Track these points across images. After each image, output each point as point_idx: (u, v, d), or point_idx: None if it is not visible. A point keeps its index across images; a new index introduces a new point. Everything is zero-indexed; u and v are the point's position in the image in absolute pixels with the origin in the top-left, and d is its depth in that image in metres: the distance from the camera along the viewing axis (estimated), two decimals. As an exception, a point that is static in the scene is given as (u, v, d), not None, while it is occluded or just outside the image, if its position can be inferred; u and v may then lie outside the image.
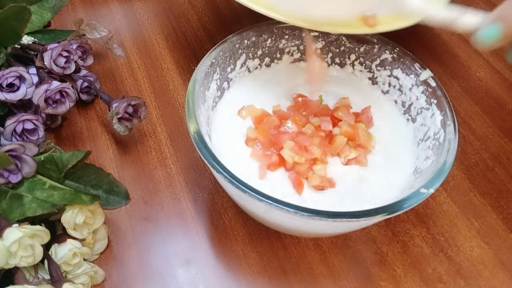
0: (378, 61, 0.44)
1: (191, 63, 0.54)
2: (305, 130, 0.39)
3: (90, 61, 0.48)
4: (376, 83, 0.45)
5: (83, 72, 0.48)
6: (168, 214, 0.42)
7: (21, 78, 0.41)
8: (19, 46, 0.46)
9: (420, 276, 0.39)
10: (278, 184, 0.37)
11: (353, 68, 0.45)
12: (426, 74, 0.40)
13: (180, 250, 0.40)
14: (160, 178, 0.44)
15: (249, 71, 0.45)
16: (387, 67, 0.43)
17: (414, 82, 0.41)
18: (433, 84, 0.40)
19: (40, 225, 0.35)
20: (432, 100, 0.39)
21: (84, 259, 0.37)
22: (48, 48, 0.43)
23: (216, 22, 0.58)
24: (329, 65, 0.46)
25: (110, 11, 0.59)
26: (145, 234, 0.40)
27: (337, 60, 0.46)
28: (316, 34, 0.44)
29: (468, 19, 0.31)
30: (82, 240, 0.36)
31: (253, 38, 0.43)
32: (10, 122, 0.39)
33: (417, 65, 0.41)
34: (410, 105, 0.42)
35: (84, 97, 0.48)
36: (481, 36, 0.29)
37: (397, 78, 0.43)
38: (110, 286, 0.38)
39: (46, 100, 0.41)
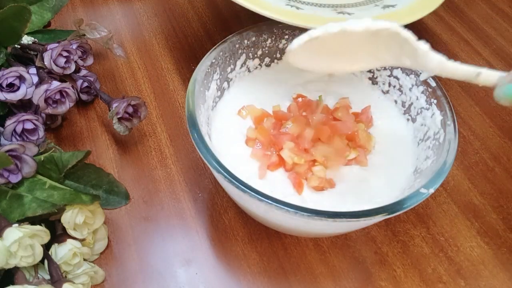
0: (378, 61, 0.44)
1: (191, 63, 0.54)
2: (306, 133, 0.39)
3: (90, 61, 0.48)
4: (376, 83, 0.45)
5: (83, 72, 0.48)
6: (168, 214, 0.42)
7: (21, 78, 0.41)
8: (19, 46, 0.46)
9: (420, 276, 0.39)
10: (278, 184, 0.37)
11: (353, 68, 0.45)
12: (426, 74, 0.40)
13: (180, 250, 0.40)
14: (160, 178, 0.44)
15: (249, 71, 0.45)
16: (387, 67, 0.43)
17: (414, 82, 0.41)
18: (433, 84, 0.40)
19: (40, 225, 0.35)
20: (432, 100, 0.39)
21: (84, 259, 0.37)
22: (48, 48, 0.43)
23: (216, 22, 0.58)
24: (329, 65, 0.46)
25: (110, 11, 0.59)
26: (145, 234, 0.40)
27: (337, 60, 0.46)
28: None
29: (489, 75, 0.31)
30: (82, 240, 0.36)
31: (253, 38, 0.43)
32: (10, 122, 0.39)
33: (417, 65, 0.41)
34: (410, 105, 0.42)
35: (84, 97, 0.48)
36: (501, 94, 0.29)
37: (397, 78, 0.43)
38: (110, 286, 0.38)
39: (46, 100, 0.41)
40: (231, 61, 0.42)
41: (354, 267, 0.39)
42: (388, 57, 0.33)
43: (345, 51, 0.33)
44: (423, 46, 0.31)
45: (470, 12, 0.62)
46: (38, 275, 0.35)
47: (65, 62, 0.43)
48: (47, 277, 0.35)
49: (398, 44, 0.32)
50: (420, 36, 0.38)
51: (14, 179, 0.37)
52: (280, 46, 0.45)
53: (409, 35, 0.31)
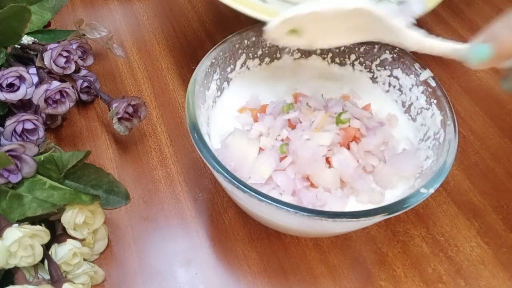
0: (378, 61, 0.44)
1: (191, 63, 0.54)
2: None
3: (90, 61, 0.48)
4: (376, 83, 0.45)
5: (83, 72, 0.48)
6: (168, 214, 0.42)
7: (21, 78, 0.41)
8: (19, 46, 0.46)
9: (420, 276, 0.39)
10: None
11: (353, 68, 0.45)
12: (426, 74, 0.40)
13: (180, 250, 0.40)
14: (160, 178, 0.44)
15: (249, 69, 0.45)
16: (387, 67, 0.43)
17: (414, 82, 0.41)
18: (433, 84, 0.40)
19: (40, 225, 0.35)
20: (432, 100, 0.39)
21: (84, 259, 0.37)
22: (48, 48, 0.43)
23: (216, 22, 0.58)
24: (329, 64, 0.46)
25: (110, 11, 0.59)
26: (145, 234, 0.40)
27: (337, 60, 0.46)
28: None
29: (463, 47, 0.32)
30: (82, 240, 0.36)
31: (253, 38, 0.43)
32: (10, 122, 0.39)
33: (417, 65, 0.41)
34: (410, 105, 0.42)
35: (84, 97, 0.48)
36: (470, 53, 0.30)
37: (397, 78, 0.43)
38: (110, 286, 0.38)
39: (46, 100, 0.41)
40: (231, 61, 0.42)
41: (354, 267, 0.39)
42: (368, 33, 0.34)
43: (324, 27, 0.34)
44: (398, 23, 0.31)
45: (470, 12, 0.62)
46: (38, 275, 0.35)
47: (65, 62, 0.43)
48: (47, 277, 0.35)
49: (374, 21, 0.32)
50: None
51: (14, 179, 0.37)
52: (280, 46, 0.45)
53: (382, 12, 0.31)
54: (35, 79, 0.42)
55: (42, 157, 0.39)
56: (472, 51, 0.30)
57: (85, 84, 0.47)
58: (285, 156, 0.37)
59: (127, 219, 0.41)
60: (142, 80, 0.52)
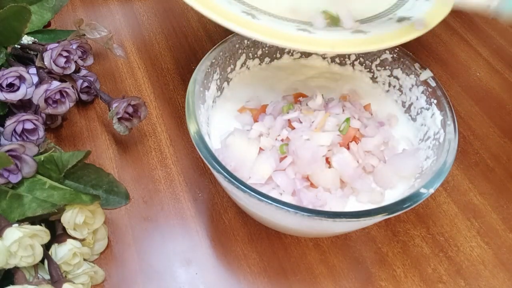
0: (378, 61, 0.44)
1: (191, 63, 0.54)
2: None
3: (90, 61, 0.48)
4: (376, 83, 0.45)
5: (83, 72, 0.48)
6: (168, 214, 0.42)
7: (21, 78, 0.41)
8: (19, 46, 0.46)
9: (420, 276, 0.39)
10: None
11: (353, 68, 0.45)
12: (426, 74, 0.40)
13: (180, 250, 0.40)
14: (160, 178, 0.44)
15: (249, 69, 0.45)
16: (387, 67, 0.43)
17: (414, 82, 0.41)
18: (433, 84, 0.40)
19: (40, 225, 0.35)
20: (432, 100, 0.39)
21: (84, 259, 0.37)
22: (48, 48, 0.43)
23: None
24: (329, 64, 0.46)
25: (110, 11, 0.59)
26: (145, 234, 0.40)
27: (337, 60, 0.46)
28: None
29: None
30: (82, 240, 0.36)
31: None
32: (10, 122, 0.39)
33: (417, 65, 0.41)
34: (410, 105, 0.42)
35: (84, 97, 0.48)
36: (503, 5, 0.30)
37: (397, 78, 0.43)
38: (110, 286, 0.38)
39: (46, 100, 0.41)
40: (231, 61, 0.42)
41: (354, 267, 0.39)
42: None
43: None
44: None
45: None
46: (38, 275, 0.35)
47: (65, 62, 0.43)
48: (47, 277, 0.35)
49: None
50: (420, 36, 0.38)
51: (14, 179, 0.37)
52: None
53: None
54: (35, 79, 0.42)
55: (42, 157, 0.39)
56: (505, 3, 0.30)
57: (85, 84, 0.47)
58: (285, 156, 0.37)
59: (127, 219, 0.41)
60: (142, 80, 0.52)
